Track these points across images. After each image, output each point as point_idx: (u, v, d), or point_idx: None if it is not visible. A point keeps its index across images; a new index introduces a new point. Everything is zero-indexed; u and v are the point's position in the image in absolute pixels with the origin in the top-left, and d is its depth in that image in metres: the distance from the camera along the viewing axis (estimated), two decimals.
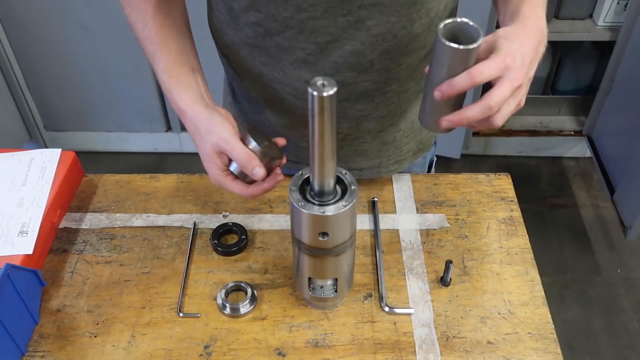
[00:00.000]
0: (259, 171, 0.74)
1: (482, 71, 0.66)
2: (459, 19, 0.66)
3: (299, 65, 0.82)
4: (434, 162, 1.11)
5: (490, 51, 0.69)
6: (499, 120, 0.69)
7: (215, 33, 0.91)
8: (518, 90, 0.69)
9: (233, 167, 0.77)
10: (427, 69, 0.71)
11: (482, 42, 0.65)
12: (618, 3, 2.06)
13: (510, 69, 0.67)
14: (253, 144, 0.75)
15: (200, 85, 0.83)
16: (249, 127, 0.79)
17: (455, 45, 0.63)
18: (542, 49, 0.73)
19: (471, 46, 0.63)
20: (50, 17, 2.11)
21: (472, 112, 0.68)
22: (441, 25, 0.65)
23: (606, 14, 2.10)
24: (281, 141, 0.83)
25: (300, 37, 0.79)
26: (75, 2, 2.06)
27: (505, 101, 0.68)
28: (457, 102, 0.71)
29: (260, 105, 0.93)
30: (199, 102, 0.80)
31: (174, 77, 0.82)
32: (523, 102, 0.71)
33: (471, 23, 0.65)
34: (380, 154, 0.96)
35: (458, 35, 0.66)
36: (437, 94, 0.67)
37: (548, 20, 2.37)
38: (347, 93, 0.85)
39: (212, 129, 0.76)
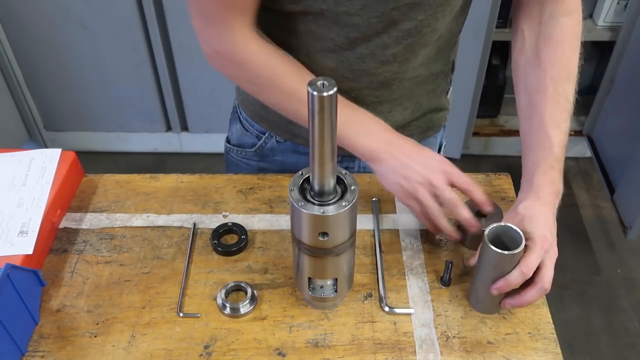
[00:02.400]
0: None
1: (531, 266, 0.74)
2: (502, 223, 0.75)
3: (325, 54, 0.85)
4: (444, 146, 1.14)
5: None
6: (547, 291, 0.77)
7: None
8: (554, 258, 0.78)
9: None
10: (471, 261, 0.81)
11: (524, 245, 0.73)
12: (618, 3, 2.06)
13: (548, 250, 0.76)
14: None
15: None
16: None
17: (506, 252, 0.72)
18: (558, 202, 0.81)
19: (518, 250, 0.72)
20: (50, 17, 2.11)
21: (531, 296, 0.76)
22: (487, 231, 0.73)
23: (606, 14, 2.10)
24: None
25: (333, 28, 0.81)
26: (75, 2, 2.06)
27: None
28: None
29: None
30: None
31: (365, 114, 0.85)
32: None
33: (513, 227, 0.74)
34: None
35: (501, 236, 0.75)
36: (495, 291, 0.76)
37: None
38: (369, 82, 0.89)
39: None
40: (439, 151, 1.13)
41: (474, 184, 0.81)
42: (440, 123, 1.06)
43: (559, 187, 0.81)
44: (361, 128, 0.83)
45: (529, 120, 0.85)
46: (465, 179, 0.81)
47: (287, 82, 0.83)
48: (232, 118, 1.10)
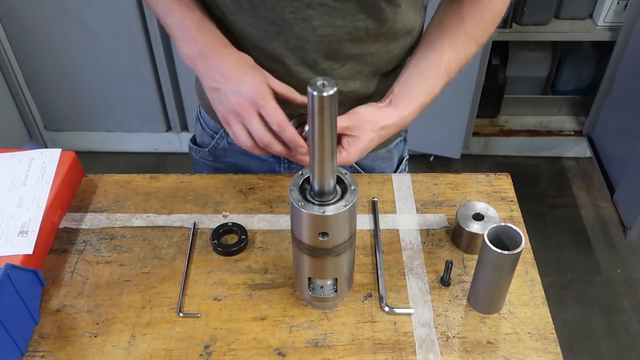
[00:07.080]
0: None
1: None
2: (502, 223, 0.75)
3: (254, 45, 0.85)
4: (405, 159, 1.11)
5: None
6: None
7: None
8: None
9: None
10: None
11: (524, 243, 0.73)
12: (618, 3, 2.07)
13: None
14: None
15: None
16: None
17: (506, 252, 0.72)
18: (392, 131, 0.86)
19: (518, 250, 0.72)
20: (50, 17, 2.11)
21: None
22: (487, 231, 0.73)
23: (606, 14, 2.10)
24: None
25: (251, 22, 0.82)
26: (75, 2, 2.06)
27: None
28: (506, 286, 0.79)
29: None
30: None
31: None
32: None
33: (513, 227, 0.74)
34: None
35: (501, 236, 0.75)
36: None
37: (548, 21, 2.36)
38: (293, 85, 0.85)
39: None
40: (398, 165, 1.09)
41: (284, 122, 0.78)
42: (391, 139, 1.03)
43: (409, 117, 0.88)
44: (186, 32, 0.84)
45: (428, 50, 0.88)
46: (274, 117, 0.77)
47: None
48: (196, 117, 1.12)
